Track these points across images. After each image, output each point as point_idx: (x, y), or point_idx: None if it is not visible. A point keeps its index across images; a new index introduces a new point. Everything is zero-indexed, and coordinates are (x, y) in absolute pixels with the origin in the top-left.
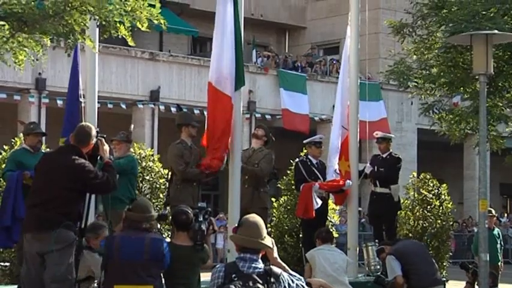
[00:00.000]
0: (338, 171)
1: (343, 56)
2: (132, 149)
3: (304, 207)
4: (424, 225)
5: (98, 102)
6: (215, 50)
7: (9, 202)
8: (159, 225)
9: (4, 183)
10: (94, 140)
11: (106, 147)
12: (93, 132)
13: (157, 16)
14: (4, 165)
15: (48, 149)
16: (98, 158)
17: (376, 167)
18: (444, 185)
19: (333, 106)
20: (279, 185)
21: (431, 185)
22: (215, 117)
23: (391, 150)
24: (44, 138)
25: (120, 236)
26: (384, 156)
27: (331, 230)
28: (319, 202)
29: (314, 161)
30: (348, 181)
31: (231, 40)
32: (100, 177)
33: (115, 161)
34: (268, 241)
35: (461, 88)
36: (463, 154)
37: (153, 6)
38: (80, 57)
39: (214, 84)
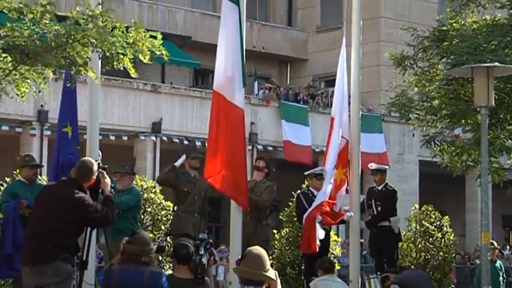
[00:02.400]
0: (332, 181)
1: (339, 67)
2: (134, 181)
3: (307, 241)
4: (426, 257)
5: (100, 134)
6: (220, 58)
7: (8, 230)
8: (160, 258)
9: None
10: (95, 175)
11: (107, 180)
12: (95, 167)
13: (159, 48)
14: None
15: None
16: (100, 191)
17: (372, 200)
18: (446, 217)
19: None
20: (280, 217)
21: (433, 217)
22: (227, 129)
23: (386, 182)
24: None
25: (119, 269)
26: (380, 188)
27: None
28: (323, 233)
29: (315, 193)
30: (349, 213)
31: (237, 47)
32: (99, 211)
33: (120, 198)
34: (272, 273)
35: (463, 120)
36: (465, 186)
37: (155, 38)
38: (82, 89)
39: (227, 98)
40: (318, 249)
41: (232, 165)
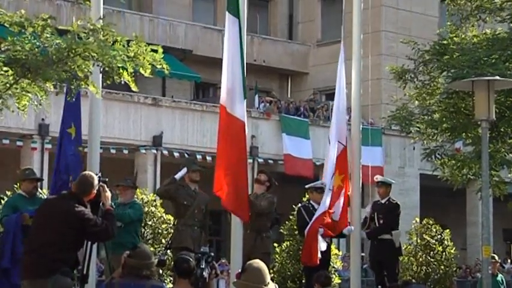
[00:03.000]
0: (330, 188)
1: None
2: (135, 195)
3: (309, 254)
4: (427, 271)
5: (101, 147)
6: (224, 70)
7: (7, 244)
8: (160, 271)
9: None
10: (96, 189)
11: (108, 193)
12: (95, 182)
13: (160, 62)
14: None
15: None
16: (100, 204)
17: (375, 213)
18: (447, 230)
19: None
20: (281, 230)
21: (434, 230)
22: (227, 142)
23: (390, 196)
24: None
25: (120, 282)
26: (383, 202)
27: (332, 275)
28: (324, 246)
29: (316, 206)
30: (349, 227)
31: (238, 59)
32: (99, 225)
33: (124, 211)
34: (272, 287)
35: (464, 133)
36: (465, 200)
37: (156, 52)
38: (83, 103)
39: (227, 109)
40: (318, 262)
41: (233, 179)
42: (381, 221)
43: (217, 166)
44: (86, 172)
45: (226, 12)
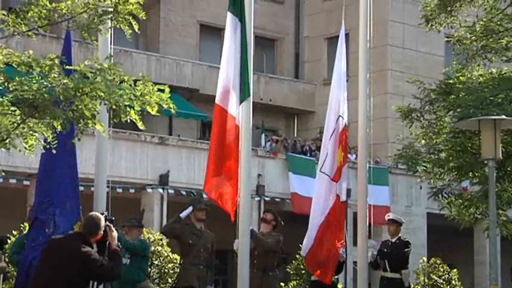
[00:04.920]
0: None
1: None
2: (142, 234)
3: (325, 270)
4: None
5: (107, 186)
6: (224, 73)
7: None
8: None
9: (12, 268)
10: (102, 230)
11: (114, 233)
12: (102, 223)
13: (166, 101)
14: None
15: None
16: (107, 243)
17: (385, 249)
18: (455, 270)
19: None
20: (288, 270)
21: (442, 270)
22: (220, 139)
23: (400, 235)
24: None
25: None
26: (393, 240)
27: None
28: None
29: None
30: (342, 251)
31: (238, 60)
32: (105, 266)
33: (132, 243)
34: None
35: (470, 173)
36: (473, 239)
37: (163, 91)
38: (90, 142)
39: (219, 103)
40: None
41: (221, 170)
42: (391, 260)
43: (208, 166)
44: (93, 213)
45: (228, 12)
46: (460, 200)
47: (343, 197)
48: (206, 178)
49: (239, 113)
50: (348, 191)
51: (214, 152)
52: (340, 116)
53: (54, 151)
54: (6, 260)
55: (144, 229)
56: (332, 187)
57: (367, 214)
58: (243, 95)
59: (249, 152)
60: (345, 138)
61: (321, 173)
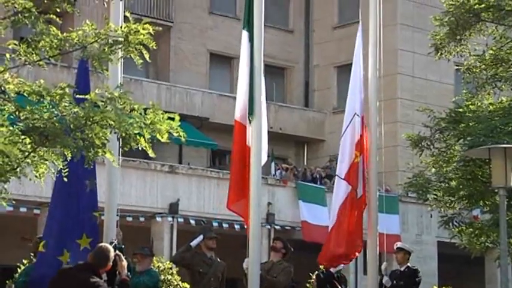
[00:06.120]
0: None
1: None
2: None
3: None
4: None
5: (117, 215)
6: (241, 89)
7: None
8: None
9: None
10: (112, 261)
11: (124, 262)
12: (111, 254)
13: (176, 129)
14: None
15: None
16: (117, 273)
17: (395, 281)
18: None
19: None
20: None
21: None
22: (241, 156)
23: (409, 264)
24: None
25: None
26: (402, 269)
27: None
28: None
29: (333, 271)
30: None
31: (246, 72)
32: None
33: (139, 279)
34: None
35: (481, 201)
36: (484, 268)
37: (173, 119)
38: (100, 171)
39: (238, 119)
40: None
41: (235, 177)
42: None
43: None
44: (103, 244)
45: (243, 30)
46: (471, 229)
47: (359, 193)
48: (229, 197)
49: (250, 135)
50: None
51: (236, 171)
52: (355, 113)
53: (65, 179)
54: None
55: (154, 258)
56: (341, 186)
57: (378, 243)
58: (249, 113)
59: (259, 180)
60: (361, 139)
61: (336, 177)
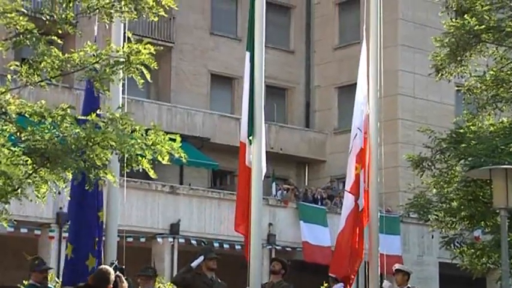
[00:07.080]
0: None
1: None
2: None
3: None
4: None
5: (118, 235)
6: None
7: None
8: None
9: None
10: (112, 284)
11: (125, 284)
12: (112, 277)
13: (178, 150)
14: None
15: None
16: None
17: None
18: None
19: None
20: None
21: None
22: (246, 179)
23: (409, 285)
24: None
25: None
26: None
27: None
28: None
29: None
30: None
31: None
32: None
33: None
34: None
35: (482, 222)
36: None
37: (174, 140)
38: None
39: (243, 140)
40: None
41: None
42: None
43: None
44: (103, 267)
45: (246, 52)
46: (472, 250)
47: (361, 206)
48: (236, 219)
49: (250, 155)
50: None
51: (242, 195)
52: (358, 128)
53: (69, 198)
54: None
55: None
56: (348, 199)
57: (379, 263)
58: (249, 133)
59: (260, 200)
60: (362, 152)
61: (345, 192)
